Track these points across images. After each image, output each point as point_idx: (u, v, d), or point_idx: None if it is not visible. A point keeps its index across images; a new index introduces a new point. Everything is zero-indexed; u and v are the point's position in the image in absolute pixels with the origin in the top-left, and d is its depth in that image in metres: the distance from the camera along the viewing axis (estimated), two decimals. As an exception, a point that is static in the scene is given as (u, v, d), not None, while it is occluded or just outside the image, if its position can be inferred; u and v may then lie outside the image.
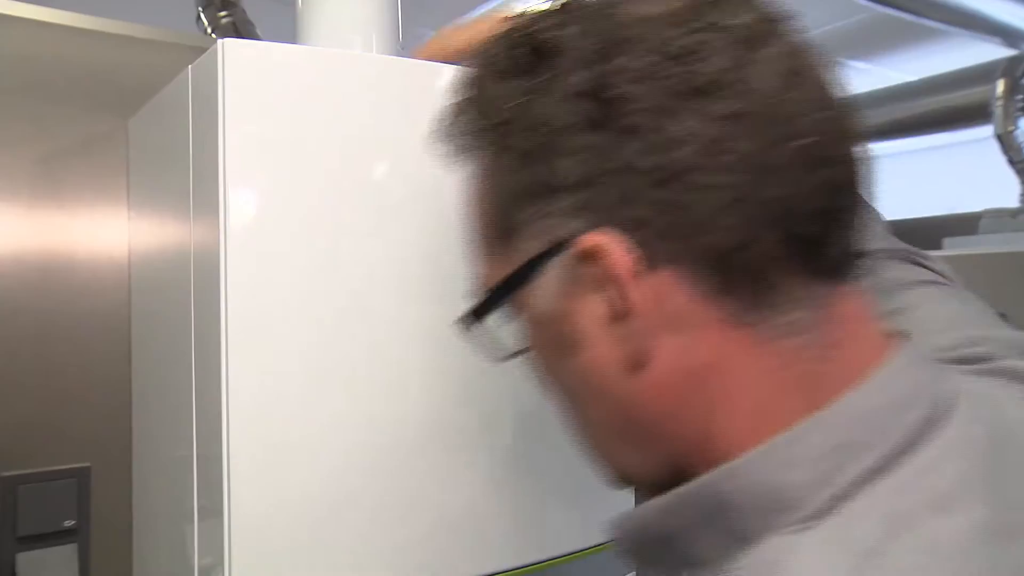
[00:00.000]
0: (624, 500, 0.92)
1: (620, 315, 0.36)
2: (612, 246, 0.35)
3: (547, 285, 0.38)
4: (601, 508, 0.91)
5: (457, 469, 0.77)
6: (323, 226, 0.72)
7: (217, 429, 0.67)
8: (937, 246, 2.08)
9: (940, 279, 0.55)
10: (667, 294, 0.36)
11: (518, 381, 0.84)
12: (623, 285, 0.36)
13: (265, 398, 0.68)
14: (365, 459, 0.72)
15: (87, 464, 0.97)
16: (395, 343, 0.74)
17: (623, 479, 0.44)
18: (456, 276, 0.81)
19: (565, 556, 0.84)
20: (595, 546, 0.88)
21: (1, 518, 0.92)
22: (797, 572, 0.33)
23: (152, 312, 0.92)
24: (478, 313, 0.42)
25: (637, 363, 0.37)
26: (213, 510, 0.69)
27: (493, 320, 0.42)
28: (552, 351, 0.41)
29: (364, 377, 0.73)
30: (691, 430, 0.38)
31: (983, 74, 2.43)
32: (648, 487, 0.41)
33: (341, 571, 0.71)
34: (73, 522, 0.95)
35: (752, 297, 0.36)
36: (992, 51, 2.53)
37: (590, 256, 0.36)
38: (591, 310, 0.37)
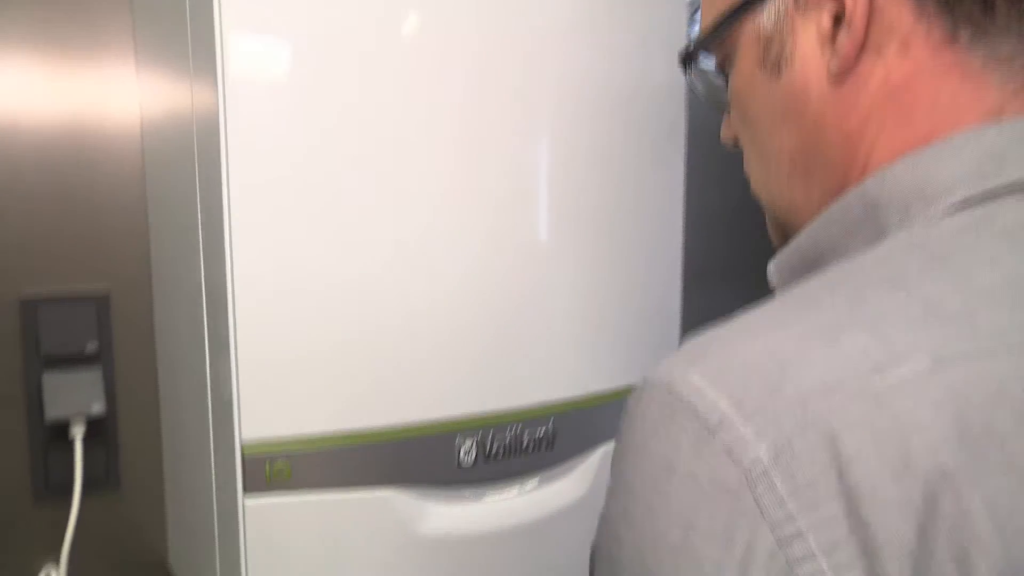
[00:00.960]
0: (647, 348, 0.87)
1: (840, 29, 0.39)
2: None
3: (776, 6, 0.42)
4: (620, 353, 0.86)
5: (469, 302, 0.71)
6: (330, 72, 0.63)
7: (221, 262, 0.62)
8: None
9: None
10: (887, 8, 0.38)
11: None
12: None
13: (269, 237, 0.62)
14: (372, 295, 0.67)
15: (106, 289, 0.94)
16: (405, 180, 0.66)
17: (786, 221, 0.46)
18: (467, 116, 0.73)
19: (586, 397, 0.80)
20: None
21: (24, 339, 0.91)
22: (938, 247, 0.34)
23: (162, 150, 0.86)
24: (703, 45, 0.47)
25: (840, 78, 0.40)
26: (221, 343, 0.64)
27: (713, 51, 0.47)
28: (761, 77, 0.44)
29: (371, 212, 0.66)
30: (863, 152, 0.40)
31: None
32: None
33: (352, 406, 0.66)
34: (95, 346, 0.93)
35: (970, 17, 0.37)
36: None
37: None
38: (813, 25, 0.40)
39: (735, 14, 0.44)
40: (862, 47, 0.38)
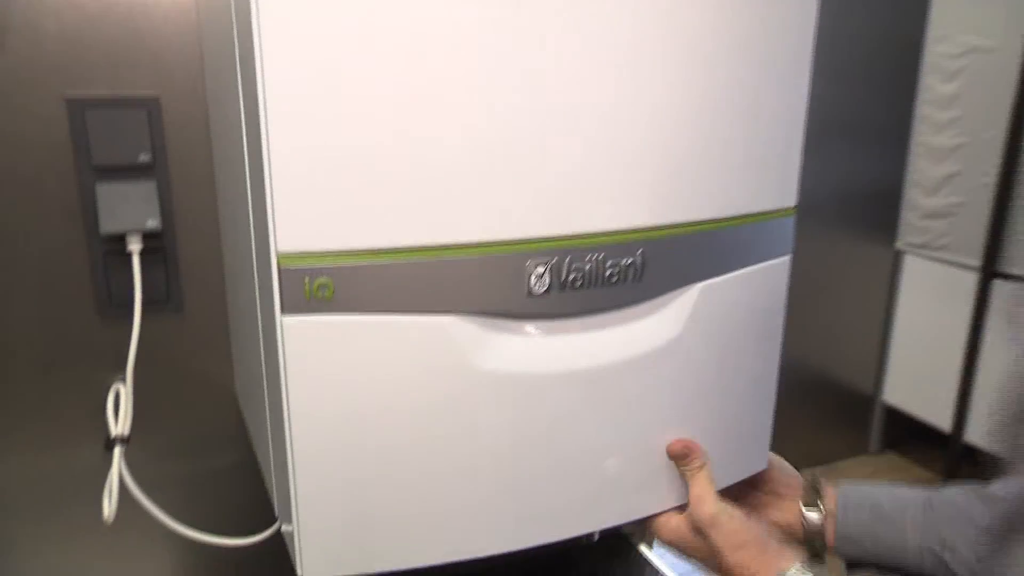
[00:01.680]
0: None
1: None
2: None
3: None
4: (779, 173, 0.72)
5: (547, 107, 0.59)
6: None
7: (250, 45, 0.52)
8: None
9: None
10: None
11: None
12: None
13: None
14: (432, 93, 0.55)
15: (156, 94, 0.86)
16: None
17: None
18: None
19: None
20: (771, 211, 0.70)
21: (75, 144, 0.85)
22: None
23: None
24: None
25: None
26: (256, 140, 0.55)
27: None
28: None
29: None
30: None
31: None
32: None
33: (405, 218, 0.57)
34: (149, 156, 0.87)
35: None
36: None
37: None
38: None
39: None
40: None
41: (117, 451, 0.89)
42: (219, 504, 0.99)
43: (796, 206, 0.73)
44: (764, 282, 0.73)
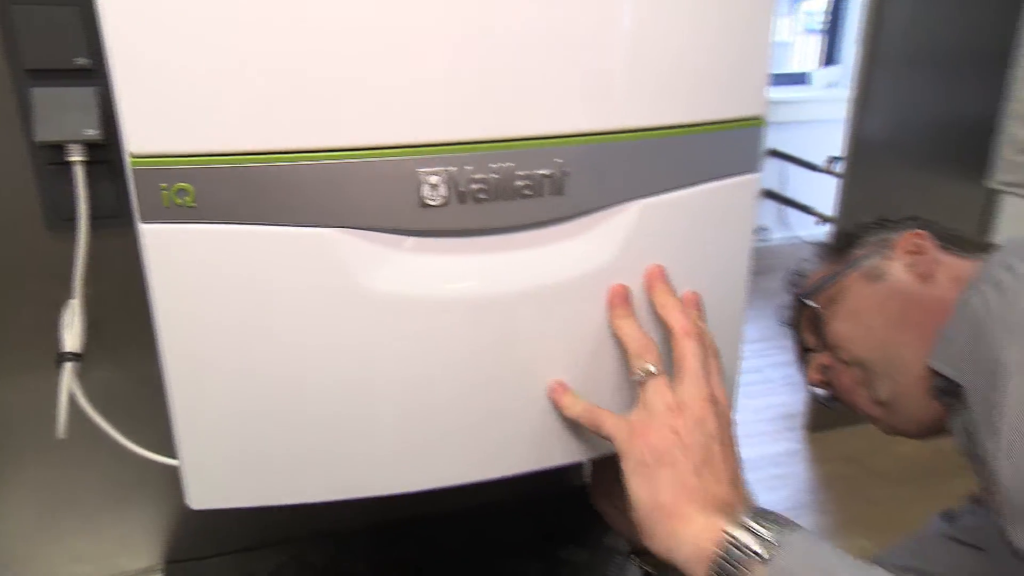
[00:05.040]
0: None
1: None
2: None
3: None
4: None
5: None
6: None
7: None
8: None
9: None
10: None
11: None
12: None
13: None
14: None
15: (90, -10, 0.83)
16: None
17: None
18: None
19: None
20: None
21: (6, 45, 0.83)
22: None
23: None
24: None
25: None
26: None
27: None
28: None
29: None
30: None
31: None
32: None
33: (274, 117, 0.52)
34: (87, 60, 0.84)
35: None
36: None
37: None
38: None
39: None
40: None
41: (68, 367, 0.90)
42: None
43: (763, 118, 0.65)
44: (722, 203, 0.66)
